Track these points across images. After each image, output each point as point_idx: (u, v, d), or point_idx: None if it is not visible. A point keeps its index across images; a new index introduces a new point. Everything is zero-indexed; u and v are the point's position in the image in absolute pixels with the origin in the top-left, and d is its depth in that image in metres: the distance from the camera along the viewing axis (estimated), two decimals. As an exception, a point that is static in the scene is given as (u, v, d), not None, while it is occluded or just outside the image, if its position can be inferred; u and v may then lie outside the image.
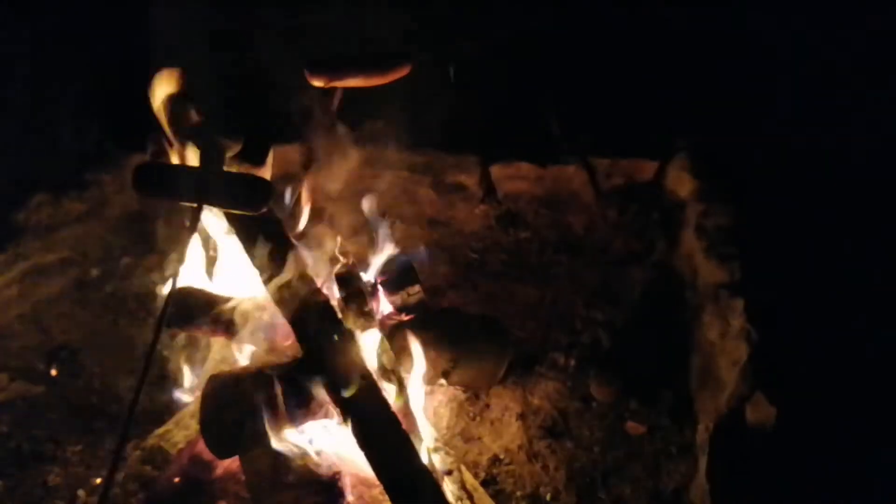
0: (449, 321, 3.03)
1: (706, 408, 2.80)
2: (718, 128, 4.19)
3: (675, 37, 4.53)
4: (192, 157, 2.29)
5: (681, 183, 4.05)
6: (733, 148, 4.04)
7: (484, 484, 2.66)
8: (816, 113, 3.98)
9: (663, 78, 4.49)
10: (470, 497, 2.49)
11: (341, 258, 2.71)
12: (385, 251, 3.02)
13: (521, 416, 2.96)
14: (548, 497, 2.65)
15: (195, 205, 2.16)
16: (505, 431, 2.91)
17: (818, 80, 4.16)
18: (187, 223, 2.28)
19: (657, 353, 3.22)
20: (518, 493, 2.67)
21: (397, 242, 3.18)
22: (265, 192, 2.16)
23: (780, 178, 3.69)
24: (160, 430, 2.70)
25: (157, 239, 3.60)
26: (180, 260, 2.18)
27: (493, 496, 2.61)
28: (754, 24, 4.46)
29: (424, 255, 3.26)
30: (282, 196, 2.79)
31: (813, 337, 2.74)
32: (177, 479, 2.57)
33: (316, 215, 3.02)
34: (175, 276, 2.14)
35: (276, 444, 2.35)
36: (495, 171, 4.31)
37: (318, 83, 3.57)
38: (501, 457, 2.81)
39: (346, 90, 3.19)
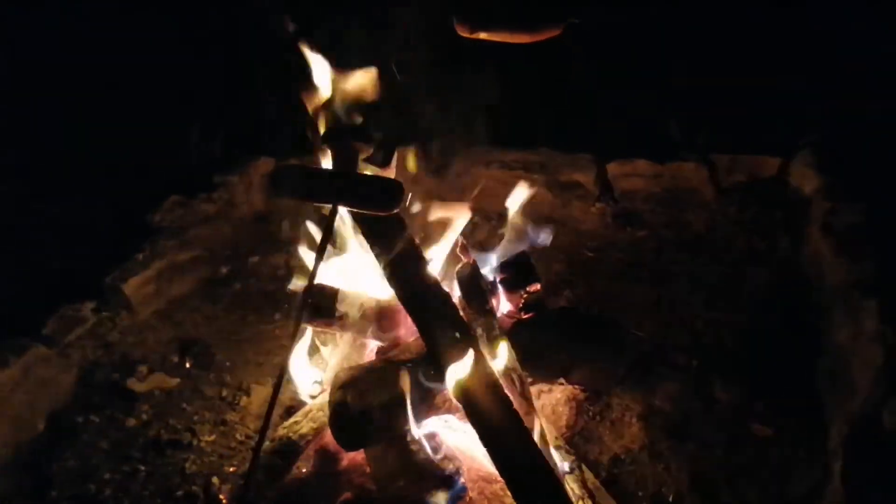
0: (567, 320, 3.03)
1: (837, 412, 2.71)
2: (844, 122, 4.04)
3: (797, 30, 4.40)
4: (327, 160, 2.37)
5: (806, 179, 3.92)
6: (860, 142, 3.88)
7: (605, 483, 2.64)
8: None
9: (786, 71, 4.36)
10: (591, 496, 2.49)
11: (462, 256, 2.74)
12: (506, 249, 3.04)
13: (642, 417, 2.93)
14: (670, 498, 2.61)
15: (330, 205, 2.24)
16: (626, 431, 2.88)
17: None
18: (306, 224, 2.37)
19: (783, 354, 3.13)
20: (640, 494, 2.64)
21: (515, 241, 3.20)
22: (397, 193, 2.21)
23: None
24: (289, 422, 2.78)
25: (283, 238, 3.72)
26: (317, 258, 2.25)
27: (615, 496, 2.59)
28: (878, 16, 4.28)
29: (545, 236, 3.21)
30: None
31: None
32: (304, 471, 2.66)
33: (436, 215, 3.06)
34: (313, 273, 2.21)
35: (400, 437, 2.41)
36: (611, 168, 4.27)
37: (463, 33, 3.59)
38: (622, 457, 2.78)
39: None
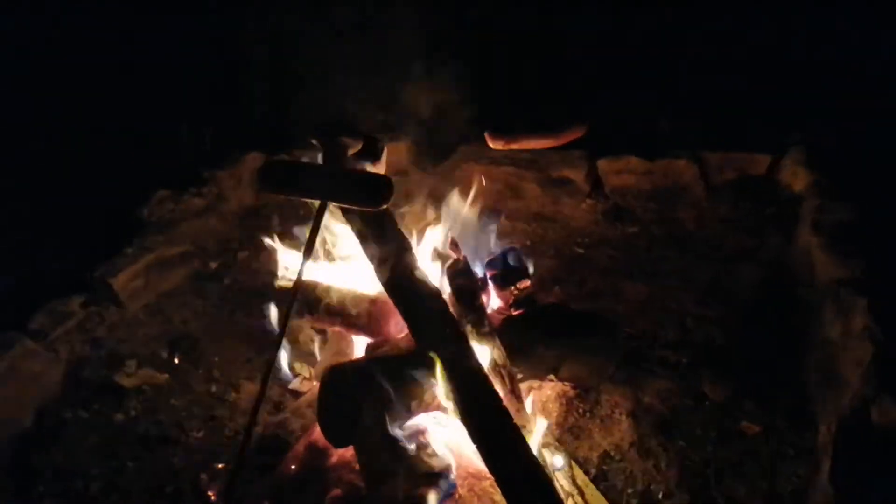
0: (558, 317, 3.01)
1: (826, 409, 2.71)
2: (835, 120, 4.05)
3: (788, 31, 4.41)
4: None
5: (796, 177, 3.93)
6: (851, 140, 3.89)
7: (594, 480, 2.64)
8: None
9: (777, 70, 4.36)
10: (581, 493, 2.49)
11: (452, 253, 2.73)
12: (495, 246, 3.04)
13: (632, 414, 2.93)
14: (660, 495, 2.62)
15: (319, 201, 2.23)
16: (615, 428, 2.88)
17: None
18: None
19: (772, 351, 3.14)
20: (629, 490, 2.64)
21: (504, 237, 3.20)
22: (387, 189, 2.21)
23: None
24: (278, 419, 2.79)
25: (273, 233, 3.69)
26: (304, 254, 2.24)
27: (604, 492, 2.59)
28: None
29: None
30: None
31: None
32: (293, 467, 2.65)
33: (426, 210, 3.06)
34: (301, 269, 2.21)
35: (390, 434, 2.40)
36: (602, 165, 4.27)
37: (496, 146, 3.72)
38: (612, 453, 2.78)
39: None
